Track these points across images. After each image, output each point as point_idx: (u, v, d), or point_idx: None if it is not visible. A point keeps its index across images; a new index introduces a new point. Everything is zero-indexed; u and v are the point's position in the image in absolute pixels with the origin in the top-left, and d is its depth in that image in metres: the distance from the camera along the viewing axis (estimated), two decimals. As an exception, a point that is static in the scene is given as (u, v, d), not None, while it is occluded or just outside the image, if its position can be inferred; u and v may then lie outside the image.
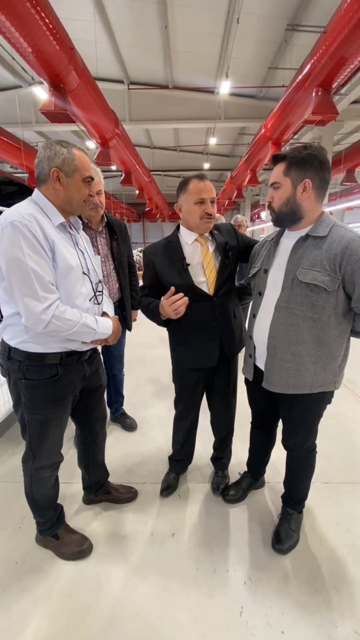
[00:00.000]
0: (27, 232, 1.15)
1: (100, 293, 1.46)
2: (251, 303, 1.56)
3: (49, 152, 1.24)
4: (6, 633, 1.25)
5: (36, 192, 1.29)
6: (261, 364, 1.48)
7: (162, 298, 1.52)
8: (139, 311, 1.85)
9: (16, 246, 1.14)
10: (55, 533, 1.55)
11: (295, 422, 1.51)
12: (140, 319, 2.13)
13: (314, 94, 4.24)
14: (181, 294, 1.47)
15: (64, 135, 10.44)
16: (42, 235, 1.19)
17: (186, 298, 1.46)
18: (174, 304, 1.45)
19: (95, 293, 1.42)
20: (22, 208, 1.21)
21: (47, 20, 3.15)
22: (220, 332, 1.63)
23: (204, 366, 1.69)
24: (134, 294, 2.39)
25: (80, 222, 1.49)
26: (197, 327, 1.60)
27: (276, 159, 1.31)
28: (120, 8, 5.56)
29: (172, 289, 1.49)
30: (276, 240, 1.44)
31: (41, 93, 5.84)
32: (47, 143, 1.25)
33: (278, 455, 1.64)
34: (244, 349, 1.67)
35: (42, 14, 3.06)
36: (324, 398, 1.44)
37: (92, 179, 1.34)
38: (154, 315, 1.59)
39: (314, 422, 1.51)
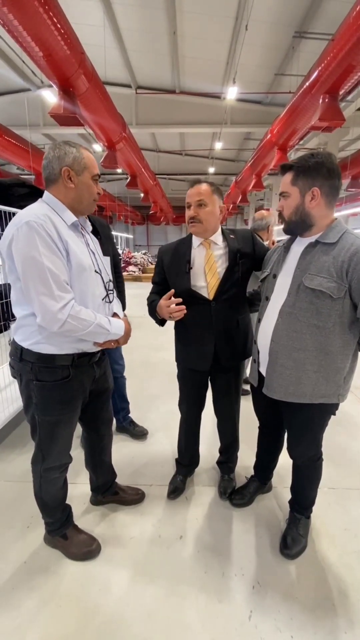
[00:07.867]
0: (42, 231, 1.16)
1: (112, 292, 1.47)
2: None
3: (59, 152, 1.25)
4: (15, 631, 1.25)
5: (46, 193, 1.30)
6: (263, 370, 1.46)
7: (162, 298, 1.54)
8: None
9: (32, 246, 1.15)
10: (64, 533, 1.55)
11: (298, 432, 1.50)
12: (143, 321, 2.13)
13: (320, 100, 4.28)
14: (180, 300, 1.49)
15: (71, 137, 10.51)
16: (56, 235, 1.20)
17: (184, 307, 1.48)
18: (171, 307, 1.48)
19: (107, 292, 1.43)
20: (36, 209, 1.22)
21: (58, 25, 3.18)
22: (216, 338, 1.61)
23: (198, 369, 1.71)
24: (119, 295, 2.36)
25: (89, 222, 1.49)
26: (193, 329, 1.61)
27: (284, 168, 1.31)
28: (130, 14, 5.63)
29: (172, 291, 1.53)
30: (287, 245, 1.43)
31: (50, 96, 5.92)
32: (55, 144, 1.26)
33: (286, 461, 1.63)
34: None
35: (54, 19, 3.09)
36: (327, 409, 1.41)
37: (100, 177, 1.36)
38: (152, 313, 1.63)
39: (316, 433, 1.48)
